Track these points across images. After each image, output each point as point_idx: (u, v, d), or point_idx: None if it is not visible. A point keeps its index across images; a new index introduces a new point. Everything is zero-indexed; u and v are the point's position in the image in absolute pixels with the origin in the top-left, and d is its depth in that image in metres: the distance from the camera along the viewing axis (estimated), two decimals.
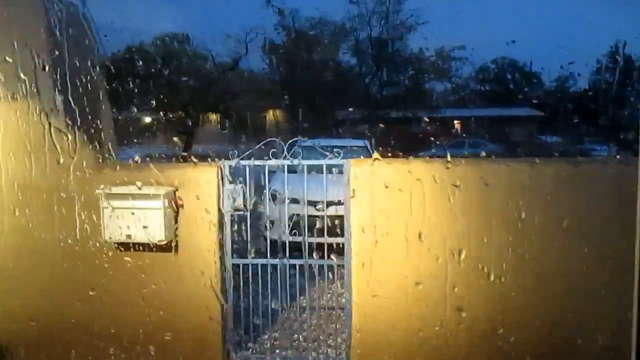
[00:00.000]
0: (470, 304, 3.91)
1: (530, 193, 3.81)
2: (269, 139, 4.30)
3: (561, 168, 3.87)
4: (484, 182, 3.84)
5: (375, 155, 3.93)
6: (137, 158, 4.25)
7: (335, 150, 4.17)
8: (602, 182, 3.78)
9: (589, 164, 3.99)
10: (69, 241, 4.08)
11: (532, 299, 3.88)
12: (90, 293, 4.14)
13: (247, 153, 4.21)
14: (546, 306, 3.88)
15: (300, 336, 4.66)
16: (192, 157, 4.32)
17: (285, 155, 4.20)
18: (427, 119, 35.96)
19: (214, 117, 30.31)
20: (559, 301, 3.87)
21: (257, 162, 4.21)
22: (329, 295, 5.08)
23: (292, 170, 4.49)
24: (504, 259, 3.83)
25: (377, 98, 35.52)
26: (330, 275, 4.52)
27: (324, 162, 4.17)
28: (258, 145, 4.31)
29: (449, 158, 3.85)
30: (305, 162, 4.21)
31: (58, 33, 4.27)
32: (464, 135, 35.88)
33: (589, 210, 3.79)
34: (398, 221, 3.92)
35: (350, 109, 35.43)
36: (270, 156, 4.20)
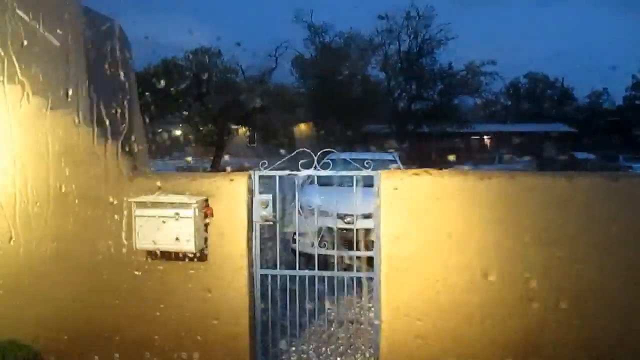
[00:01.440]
0: (505, 321, 3.82)
1: (566, 208, 3.73)
2: (299, 150, 4.29)
3: (599, 183, 3.78)
4: (518, 195, 3.77)
5: (409, 170, 3.89)
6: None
7: (366, 162, 4.13)
8: None
9: (628, 179, 3.86)
10: (102, 249, 4.14)
11: (567, 317, 3.77)
12: (122, 301, 4.18)
13: (278, 163, 4.22)
14: (581, 324, 3.76)
15: (328, 349, 4.61)
16: (222, 168, 4.34)
17: (316, 167, 4.19)
18: (456, 134, 35.66)
19: (243, 130, 30.62)
20: (593, 318, 3.75)
21: (288, 173, 4.21)
22: (357, 309, 5.02)
23: (321, 183, 4.47)
24: (540, 275, 3.74)
25: (406, 113, 35.44)
26: (359, 289, 4.48)
27: (354, 173, 4.14)
28: (289, 156, 4.31)
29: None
30: (336, 173, 4.19)
31: (96, 46, 4.38)
32: (495, 151, 35.45)
33: (628, 226, 3.68)
34: (430, 234, 3.87)
35: (379, 124, 35.40)
36: (301, 168, 4.19)
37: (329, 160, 4.33)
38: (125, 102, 4.51)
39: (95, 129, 4.19)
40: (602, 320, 3.73)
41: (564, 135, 38.04)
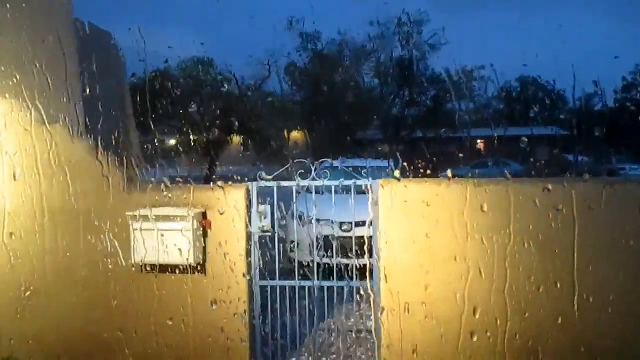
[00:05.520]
0: (506, 329, 3.81)
1: (563, 214, 3.74)
2: (297, 160, 4.30)
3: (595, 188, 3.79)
4: (517, 202, 3.77)
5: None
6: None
7: (363, 171, 4.14)
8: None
9: (623, 185, 3.88)
10: (100, 263, 4.11)
11: (567, 323, 3.77)
12: (119, 316, 4.15)
13: (275, 174, 4.22)
14: (581, 330, 3.76)
15: (329, 359, 4.58)
16: (217, 178, 4.33)
17: (314, 177, 4.19)
18: (449, 139, 35.75)
19: (237, 139, 30.58)
20: (593, 324, 3.75)
21: (287, 183, 4.20)
22: (357, 318, 5.01)
23: (318, 191, 4.47)
24: (540, 281, 3.75)
25: (400, 119, 35.53)
26: (358, 297, 4.47)
27: (352, 182, 4.14)
28: (286, 167, 4.31)
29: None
30: (334, 183, 4.19)
31: (89, 59, 4.36)
32: (488, 155, 35.55)
33: (625, 231, 3.70)
34: (428, 242, 3.87)
35: (373, 130, 35.44)
36: (298, 177, 4.19)
37: (325, 170, 4.33)
38: (120, 114, 4.50)
39: (91, 143, 4.16)
40: (602, 326, 3.73)
41: (557, 138, 38.16)
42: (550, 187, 3.76)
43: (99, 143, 4.16)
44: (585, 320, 3.73)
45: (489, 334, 3.82)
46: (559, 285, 3.73)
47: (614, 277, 3.70)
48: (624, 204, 3.73)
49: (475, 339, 3.83)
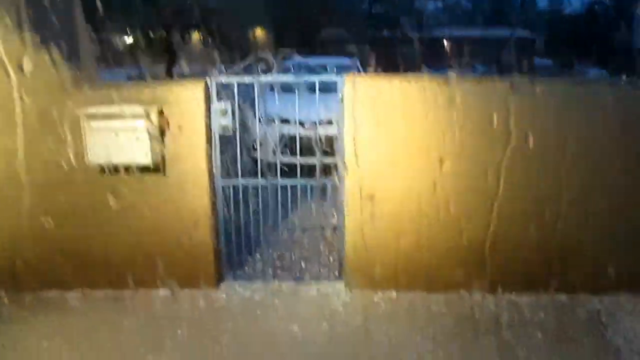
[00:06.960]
0: (464, 221, 3.92)
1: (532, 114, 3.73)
2: (259, 55, 4.09)
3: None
4: (485, 100, 3.73)
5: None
6: None
7: (329, 67, 3.98)
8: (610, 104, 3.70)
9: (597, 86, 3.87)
10: (53, 166, 3.93)
11: (526, 221, 3.89)
12: (79, 219, 4.05)
13: (236, 67, 4.02)
14: (540, 226, 3.90)
15: (293, 255, 4.67)
16: (175, 76, 4.09)
17: (276, 72, 4.02)
18: (415, 40, 35.14)
19: (196, 35, 29.24)
20: (552, 221, 3.89)
21: (248, 79, 4.01)
22: (321, 215, 5.07)
23: (280, 89, 4.31)
24: (505, 178, 3.80)
25: (366, 16, 34.50)
26: (323, 195, 4.49)
27: (316, 78, 3.99)
28: (248, 62, 4.10)
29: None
30: (297, 79, 4.03)
31: None
32: (455, 56, 35.23)
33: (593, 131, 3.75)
34: (394, 139, 3.84)
35: (338, 29, 34.41)
36: (260, 73, 4.00)
37: (289, 65, 4.14)
38: (68, 5, 4.12)
39: (36, 34, 3.83)
40: (561, 224, 3.87)
41: (524, 41, 37.94)
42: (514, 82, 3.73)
43: (46, 38, 3.84)
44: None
45: (449, 229, 3.92)
46: (516, 184, 3.80)
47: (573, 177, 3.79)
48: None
49: (437, 234, 3.93)
